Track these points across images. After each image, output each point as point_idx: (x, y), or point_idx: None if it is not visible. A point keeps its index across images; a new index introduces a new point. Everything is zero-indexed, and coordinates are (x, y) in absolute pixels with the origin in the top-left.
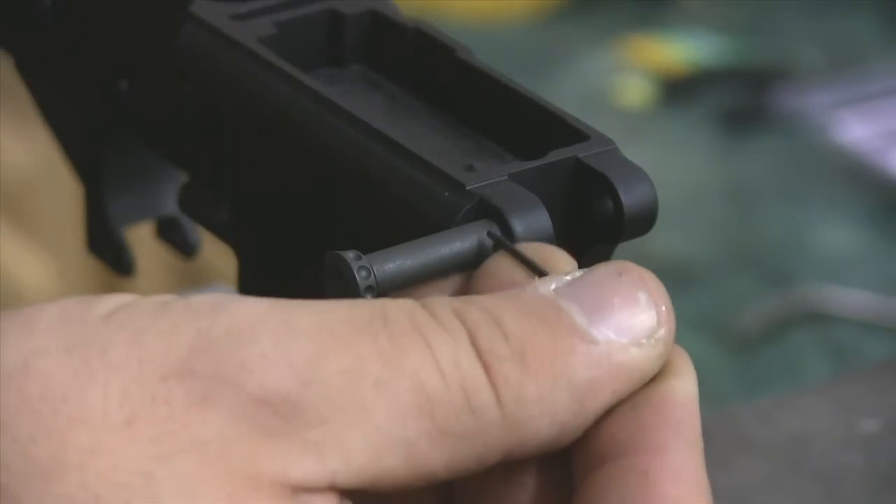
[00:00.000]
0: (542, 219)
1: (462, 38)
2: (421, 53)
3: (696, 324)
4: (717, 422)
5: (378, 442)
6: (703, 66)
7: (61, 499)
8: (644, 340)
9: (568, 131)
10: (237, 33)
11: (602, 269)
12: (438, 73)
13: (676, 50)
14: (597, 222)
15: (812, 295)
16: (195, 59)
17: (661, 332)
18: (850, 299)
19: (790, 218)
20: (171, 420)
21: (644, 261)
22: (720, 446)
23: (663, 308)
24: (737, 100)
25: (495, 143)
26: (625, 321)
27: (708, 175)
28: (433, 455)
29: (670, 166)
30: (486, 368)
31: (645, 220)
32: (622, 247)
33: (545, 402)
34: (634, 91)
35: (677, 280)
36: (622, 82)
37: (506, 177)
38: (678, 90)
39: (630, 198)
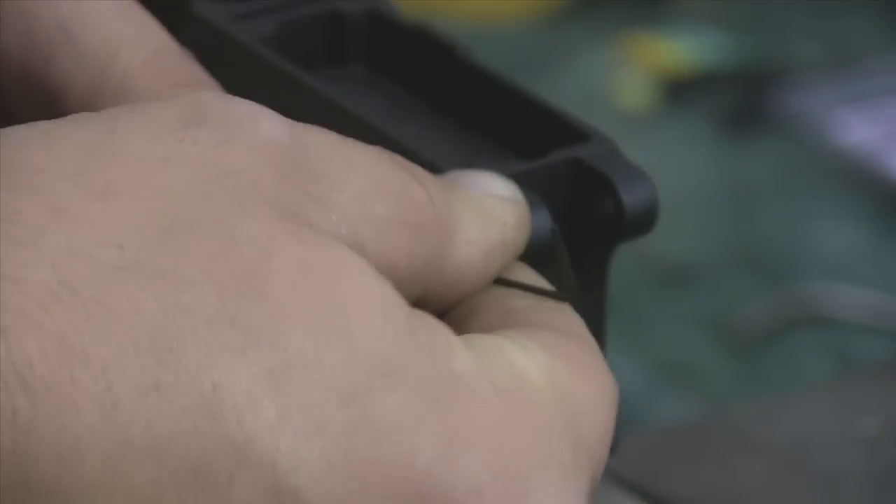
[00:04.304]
0: (542, 219)
1: (462, 38)
2: (421, 53)
3: (696, 324)
4: (717, 422)
5: (360, 208)
6: (704, 65)
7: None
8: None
9: (568, 131)
10: (238, 33)
11: None
12: (438, 73)
13: (677, 50)
14: (597, 222)
15: (812, 295)
16: (196, 60)
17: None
18: (851, 300)
19: (791, 218)
20: (204, 156)
21: (644, 261)
22: (720, 446)
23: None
24: (737, 100)
25: (495, 143)
26: None
27: (708, 175)
28: (395, 241)
29: (670, 166)
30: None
31: (646, 221)
32: (622, 247)
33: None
34: (635, 91)
35: (677, 280)
36: (622, 82)
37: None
38: (678, 90)
39: (631, 198)
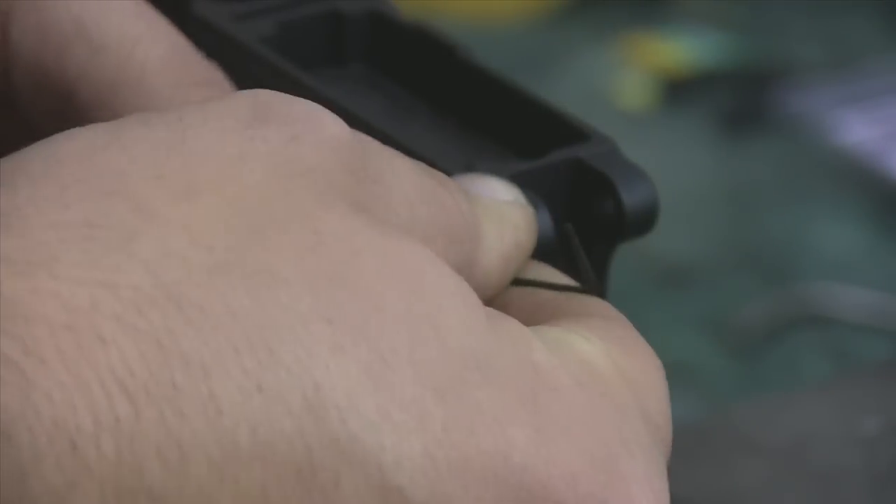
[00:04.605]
0: (542, 219)
1: (462, 38)
2: (421, 53)
3: (696, 324)
4: (717, 422)
5: (410, 212)
6: (704, 65)
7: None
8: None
9: (568, 131)
10: (238, 33)
11: None
12: (438, 73)
13: (677, 50)
14: (597, 222)
15: (812, 295)
16: None
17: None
18: (851, 300)
19: (790, 217)
20: (277, 153)
21: (644, 261)
22: (720, 446)
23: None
24: (737, 100)
25: (495, 143)
26: None
27: (708, 175)
28: (435, 249)
29: (670, 166)
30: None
31: (646, 221)
32: (622, 247)
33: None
34: (635, 91)
35: (677, 280)
36: (622, 82)
37: (506, 177)
38: (678, 90)
39: (631, 198)
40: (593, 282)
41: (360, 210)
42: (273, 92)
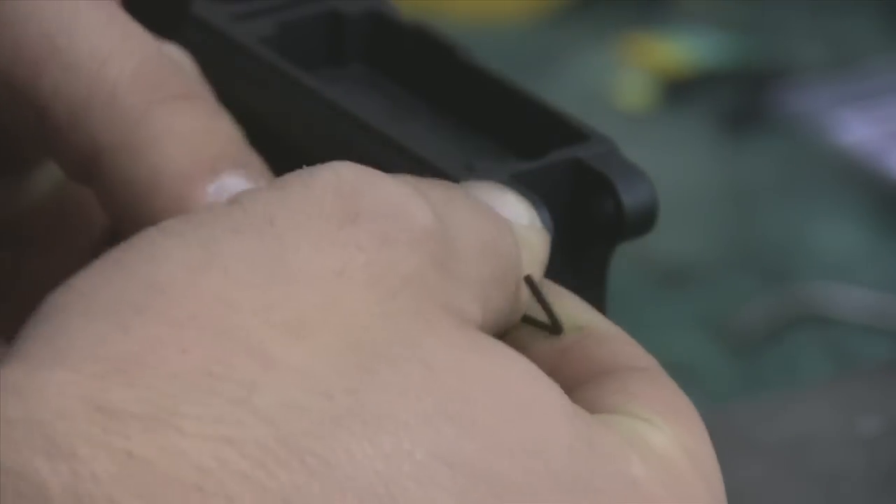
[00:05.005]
0: (542, 219)
1: (462, 38)
2: (421, 53)
3: (696, 324)
4: (717, 422)
5: (478, 272)
6: (704, 65)
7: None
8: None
9: (568, 131)
10: (238, 33)
11: None
12: (438, 73)
13: (677, 50)
14: (597, 222)
15: (812, 295)
16: (196, 60)
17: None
18: (851, 299)
19: (790, 218)
20: (373, 264)
21: (644, 261)
22: (720, 446)
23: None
24: (737, 99)
25: (495, 143)
26: None
27: (708, 175)
28: (494, 300)
29: (670, 166)
30: None
31: (645, 221)
32: (622, 247)
33: None
34: (635, 91)
35: (677, 280)
36: (622, 82)
37: (506, 177)
38: (678, 90)
39: (630, 198)
40: (559, 326)
41: (453, 315)
42: (354, 169)
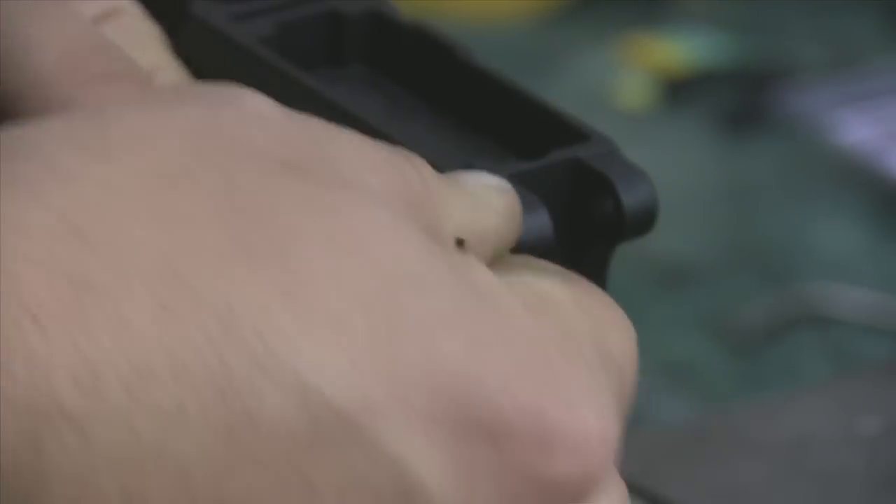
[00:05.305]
0: (542, 219)
1: (462, 38)
2: (421, 53)
3: (696, 324)
4: (717, 422)
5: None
6: (704, 65)
7: None
8: None
9: (568, 131)
10: (237, 33)
11: None
12: (438, 73)
13: (677, 50)
14: (597, 222)
15: (812, 295)
16: (195, 60)
17: None
18: (851, 300)
19: (791, 218)
20: (197, 121)
21: (644, 261)
22: (720, 446)
23: None
24: (737, 100)
25: (495, 143)
26: None
27: (708, 175)
28: None
29: (670, 166)
30: None
31: (645, 221)
32: (622, 247)
33: None
34: (635, 91)
35: (677, 280)
36: (622, 82)
37: (506, 177)
38: (678, 90)
39: (630, 198)
40: None
41: (293, 169)
42: (200, 83)
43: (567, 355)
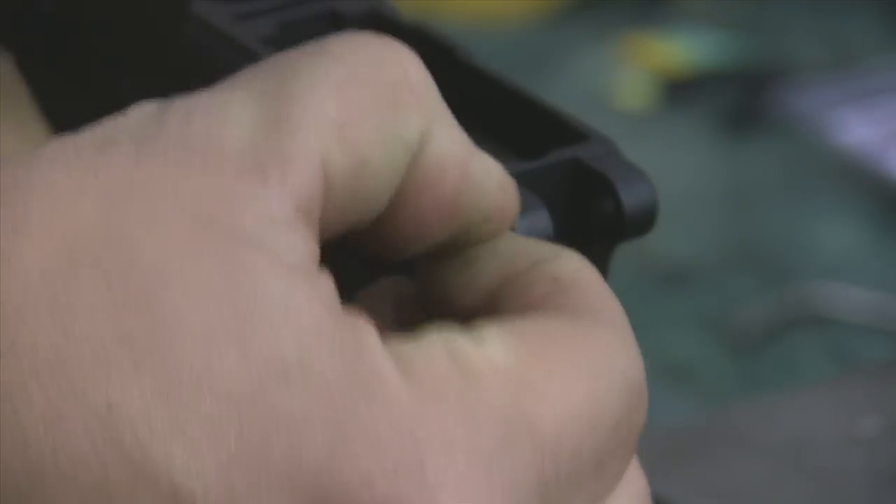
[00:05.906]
0: (542, 219)
1: (462, 39)
2: (421, 53)
3: (695, 324)
4: (717, 422)
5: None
6: (704, 65)
7: None
8: None
9: (568, 131)
10: (238, 33)
11: None
12: (438, 74)
13: (677, 50)
14: (597, 222)
15: (812, 295)
16: (196, 59)
17: None
18: (851, 300)
19: (791, 218)
20: (114, 174)
21: (644, 261)
22: (720, 446)
23: None
24: (737, 100)
25: (495, 143)
26: None
27: (708, 175)
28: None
29: (670, 166)
30: None
31: (645, 221)
32: (622, 247)
33: None
34: (635, 91)
35: (677, 280)
36: (622, 82)
37: None
38: (678, 90)
39: (630, 198)
40: None
41: (203, 225)
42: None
43: (444, 444)
